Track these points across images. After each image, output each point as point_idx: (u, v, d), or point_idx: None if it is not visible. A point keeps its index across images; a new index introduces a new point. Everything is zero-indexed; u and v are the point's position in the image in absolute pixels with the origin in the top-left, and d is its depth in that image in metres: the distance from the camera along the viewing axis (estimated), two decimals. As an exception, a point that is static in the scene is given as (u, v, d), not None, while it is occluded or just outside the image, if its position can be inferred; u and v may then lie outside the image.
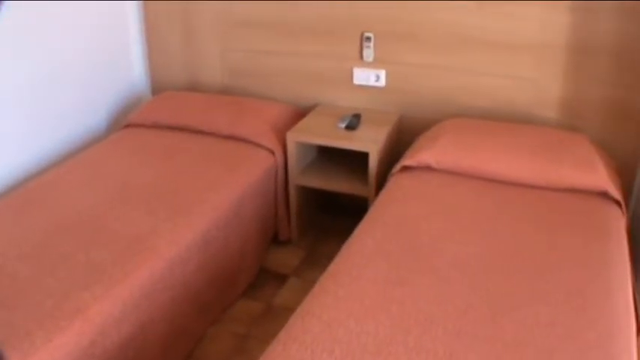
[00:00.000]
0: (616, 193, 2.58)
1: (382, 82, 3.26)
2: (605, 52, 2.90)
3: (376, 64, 3.24)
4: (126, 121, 3.32)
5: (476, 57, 3.08)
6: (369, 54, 3.21)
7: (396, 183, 2.67)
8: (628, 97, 2.94)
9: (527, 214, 2.43)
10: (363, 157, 2.98)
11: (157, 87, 3.76)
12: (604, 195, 2.59)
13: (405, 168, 2.76)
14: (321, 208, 3.51)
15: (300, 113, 3.36)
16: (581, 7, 2.86)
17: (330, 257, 2.21)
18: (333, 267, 2.10)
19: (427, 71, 3.17)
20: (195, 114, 3.19)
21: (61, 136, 3.20)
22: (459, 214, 2.42)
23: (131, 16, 3.62)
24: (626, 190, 2.99)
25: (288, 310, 2.64)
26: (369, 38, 3.18)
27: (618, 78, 2.92)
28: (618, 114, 2.98)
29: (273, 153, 3.03)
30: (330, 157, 3.30)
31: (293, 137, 3.03)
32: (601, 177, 2.59)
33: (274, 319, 2.69)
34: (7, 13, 2.69)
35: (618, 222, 2.48)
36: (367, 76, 3.27)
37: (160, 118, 3.22)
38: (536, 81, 3.04)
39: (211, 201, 2.57)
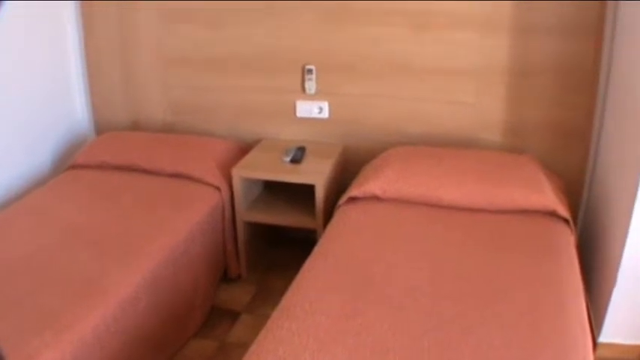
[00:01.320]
0: (564, 212, 2.69)
1: (325, 114, 3.34)
2: (546, 72, 3.04)
3: (319, 96, 3.32)
4: (71, 162, 3.32)
5: (417, 84, 3.19)
6: (311, 86, 3.29)
7: (344, 214, 2.73)
8: (570, 116, 3.09)
9: (476, 238, 2.50)
10: (309, 189, 3.04)
11: (101, 125, 3.77)
12: (552, 214, 2.69)
13: (352, 199, 2.81)
14: (270, 242, 3.54)
15: (244, 148, 3.40)
16: (520, 30, 3.00)
17: (281, 292, 2.24)
18: (286, 301, 2.13)
19: (370, 101, 3.27)
20: (140, 153, 3.22)
21: (3, 180, 3.17)
22: (409, 242, 2.48)
23: (72, 53, 3.62)
24: (574, 207, 3.10)
25: (242, 347, 2.61)
26: (310, 71, 3.26)
27: (559, 98, 3.07)
28: (562, 133, 3.12)
29: (219, 190, 3.06)
30: (276, 191, 3.34)
31: (238, 173, 3.07)
32: (548, 197, 2.69)
33: (228, 357, 2.71)
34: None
35: (568, 240, 2.58)
36: (310, 109, 3.35)
37: (105, 158, 3.23)
38: (478, 105, 3.16)
39: (159, 241, 2.59)
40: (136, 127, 3.70)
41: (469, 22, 3.05)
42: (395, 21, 3.11)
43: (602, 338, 2.75)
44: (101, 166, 3.24)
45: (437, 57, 3.13)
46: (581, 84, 3.04)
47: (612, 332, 2.74)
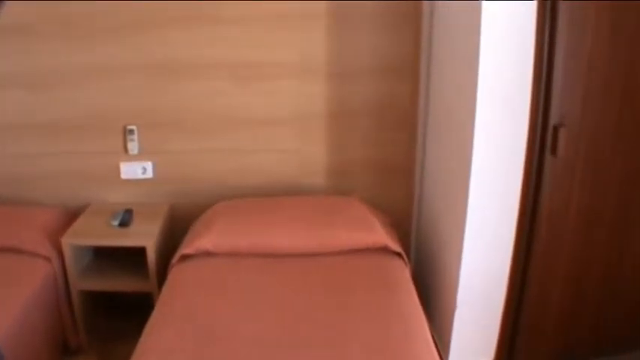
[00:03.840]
0: (395, 246, 2.88)
1: (150, 174, 3.39)
2: (365, 113, 3.27)
3: (142, 156, 3.36)
4: None
5: (243, 136, 3.31)
6: (133, 147, 3.33)
7: (178, 273, 2.77)
8: (392, 153, 3.34)
9: (315, 282, 2.63)
10: (141, 252, 3.05)
11: None
12: (384, 250, 2.88)
13: (185, 257, 2.86)
14: (108, 309, 3.49)
15: (72, 215, 3.36)
16: (337, 75, 3.22)
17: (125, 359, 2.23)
18: (130, 369, 2.12)
19: (196, 157, 3.35)
20: (-35, 229, 3.07)
21: None
22: (248, 294, 2.56)
23: None
24: (405, 241, 3.33)
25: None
26: (132, 131, 3.30)
27: (381, 137, 3.30)
28: (385, 171, 3.35)
29: (49, 260, 3.02)
30: (108, 255, 3.33)
31: (68, 241, 3.04)
32: (378, 233, 2.88)
33: None
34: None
35: (403, 273, 2.78)
36: (134, 170, 3.38)
37: None
38: (302, 151, 3.33)
39: (-7, 321, 2.49)
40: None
41: (289, 71, 3.22)
42: (217, 74, 3.22)
43: None
44: None
45: (260, 107, 3.27)
46: (401, 122, 3.29)
47: (460, 354, 2.99)
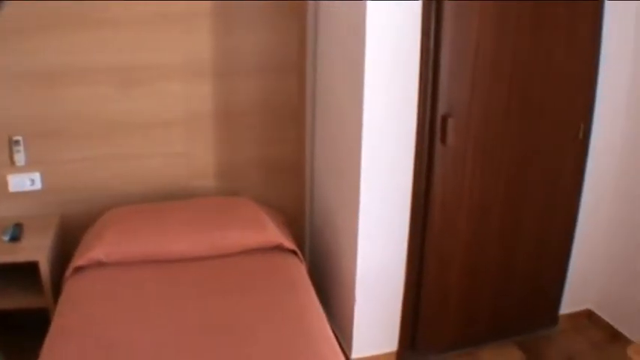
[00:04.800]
0: (290, 244, 2.93)
1: (38, 185, 3.28)
2: (253, 112, 3.29)
3: (29, 167, 3.25)
4: None
5: (130, 141, 3.27)
6: (20, 158, 3.22)
7: (72, 286, 2.72)
8: (281, 151, 3.37)
9: (212, 285, 2.63)
10: (34, 267, 2.95)
11: None
12: (279, 248, 2.91)
13: (78, 268, 2.81)
14: (5, 329, 3.36)
15: None
16: (223, 75, 3.22)
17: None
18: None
19: (84, 165, 3.28)
20: None
21: None
22: (145, 302, 2.53)
23: None
24: (300, 238, 3.38)
25: None
26: (17, 142, 3.19)
27: (269, 135, 3.33)
28: (276, 169, 3.38)
29: None
30: (1, 273, 3.20)
31: None
32: (271, 232, 2.91)
33: None
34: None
35: (299, 270, 2.83)
36: (22, 182, 3.27)
37: None
38: (191, 154, 3.32)
39: None
40: None
41: (175, 73, 3.20)
42: (103, 79, 3.16)
43: (355, 354, 3.06)
44: None
45: (148, 111, 3.24)
46: (289, 119, 3.33)
47: (363, 347, 3.06)
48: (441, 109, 2.78)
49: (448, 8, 2.64)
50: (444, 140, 2.80)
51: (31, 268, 3.00)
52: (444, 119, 2.78)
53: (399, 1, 2.60)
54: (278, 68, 3.27)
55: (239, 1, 3.15)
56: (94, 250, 2.81)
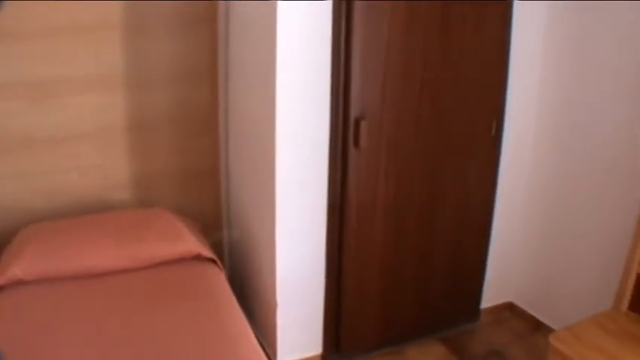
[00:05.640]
0: (208, 253, 2.93)
1: None
2: (166, 122, 3.29)
3: None
4: None
5: (43, 156, 3.19)
6: None
7: None
8: (196, 160, 3.38)
9: (130, 301, 2.60)
10: None
11: None
12: (198, 258, 2.92)
13: None
14: None
15: None
16: (135, 85, 3.20)
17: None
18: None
19: None
20: None
21: None
22: (64, 321, 2.47)
23: None
24: (218, 246, 3.40)
25: None
26: None
27: (184, 144, 3.33)
28: (191, 178, 3.38)
29: None
30: None
31: None
32: (189, 241, 2.91)
33: None
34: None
35: (219, 278, 2.83)
36: None
37: None
38: (105, 166, 3.28)
39: None
40: None
41: (86, 85, 3.16)
42: (12, 94, 3.08)
43: (280, 359, 3.09)
44: None
45: (59, 125, 3.18)
46: (203, 128, 3.35)
47: (287, 350, 3.09)
48: (354, 112, 2.82)
49: (358, 9, 2.69)
50: (357, 143, 2.85)
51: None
52: (357, 122, 2.83)
53: (310, 1, 2.63)
54: (190, 76, 3.27)
55: (150, 11, 3.14)
56: (11, 268, 2.75)
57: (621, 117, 3.03)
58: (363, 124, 2.83)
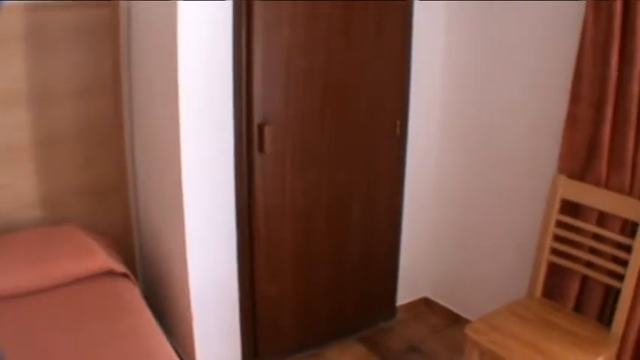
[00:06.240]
0: (120, 268, 2.89)
1: None
2: (72, 138, 3.21)
3: None
4: None
5: None
6: None
7: None
8: (103, 175, 3.32)
9: (44, 322, 2.51)
10: None
11: None
12: (110, 273, 2.87)
13: None
14: None
15: None
16: (39, 101, 3.11)
17: None
18: None
19: None
20: None
21: None
22: None
23: None
24: (130, 260, 3.36)
25: None
26: None
27: (90, 160, 3.27)
28: (99, 193, 3.32)
29: None
30: None
31: None
32: (100, 258, 2.85)
33: None
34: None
35: (133, 292, 2.80)
36: None
37: None
38: (12, 185, 3.16)
39: None
40: None
41: None
42: None
43: None
44: None
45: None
46: (108, 142, 3.29)
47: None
48: (257, 117, 2.84)
49: (258, 9, 2.70)
50: (262, 148, 2.87)
51: None
52: (261, 127, 2.85)
53: (212, 0, 2.63)
54: (95, 88, 3.21)
55: (51, 22, 3.05)
56: None
57: (523, 115, 3.14)
58: (267, 130, 2.85)
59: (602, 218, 2.68)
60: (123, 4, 3.18)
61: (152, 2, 2.88)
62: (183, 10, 2.59)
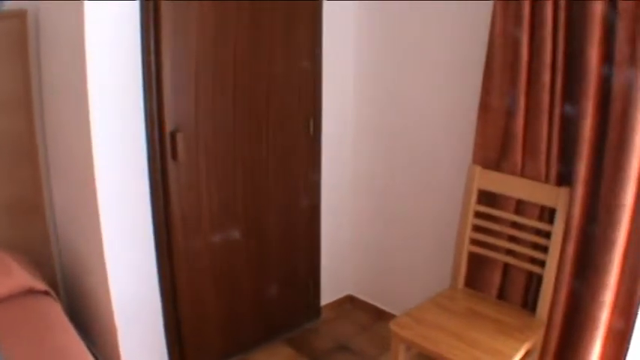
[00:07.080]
0: (41, 285, 2.82)
1: None
2: None
3: None
4: None
5: None
6: None
7: None
8: (19, 192, 3.23)
9: None
10: None
11: None
12: (31, 292, 2.78)
13: None
14: None
15: None
16: None
17: None
18: None
19: None
20: None
21: None
22: None
23: None
24: (51, 277, 3.28)
25: None
26: None
27: (5, 176, 3.16)
28: (15, 211, 3.23)
29: None
30: None
31: None
32: (19, 276, 2.78)
33: None
34: None
35: (55, 309, 2.73)
36: None
37: None
38: None
39: None
40: None
41: None
42: None
43: None
44: None
45: None
46: (23, 158, 3.20)
47: None
48: (169, 125, 2.79)
49: (166, 15, 2.66)
50: (175, 156, 2.81)
51: None
52: (173, 135, 2.80)
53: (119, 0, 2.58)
54: (7, 105, 3.11)
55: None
56: None
57: (439, 107, 3.20)
58: (179, 137, 2.81)
59: (520, 206, 2.76)
60: (31, 14, 3.08)
61: (59, 9, 2.82)
62: (89, 12, 2.52)
